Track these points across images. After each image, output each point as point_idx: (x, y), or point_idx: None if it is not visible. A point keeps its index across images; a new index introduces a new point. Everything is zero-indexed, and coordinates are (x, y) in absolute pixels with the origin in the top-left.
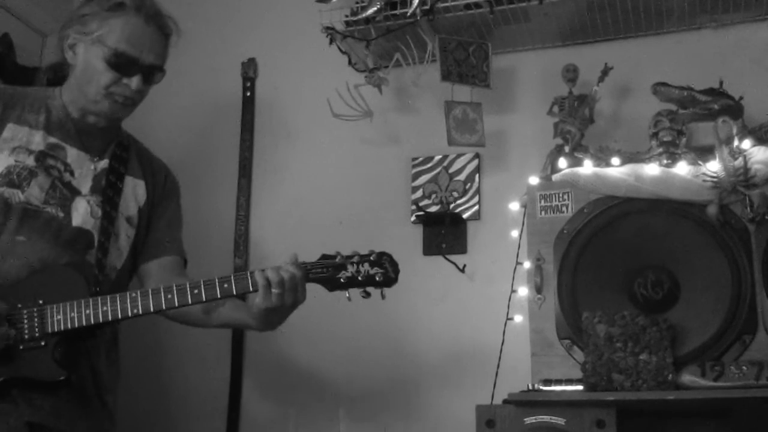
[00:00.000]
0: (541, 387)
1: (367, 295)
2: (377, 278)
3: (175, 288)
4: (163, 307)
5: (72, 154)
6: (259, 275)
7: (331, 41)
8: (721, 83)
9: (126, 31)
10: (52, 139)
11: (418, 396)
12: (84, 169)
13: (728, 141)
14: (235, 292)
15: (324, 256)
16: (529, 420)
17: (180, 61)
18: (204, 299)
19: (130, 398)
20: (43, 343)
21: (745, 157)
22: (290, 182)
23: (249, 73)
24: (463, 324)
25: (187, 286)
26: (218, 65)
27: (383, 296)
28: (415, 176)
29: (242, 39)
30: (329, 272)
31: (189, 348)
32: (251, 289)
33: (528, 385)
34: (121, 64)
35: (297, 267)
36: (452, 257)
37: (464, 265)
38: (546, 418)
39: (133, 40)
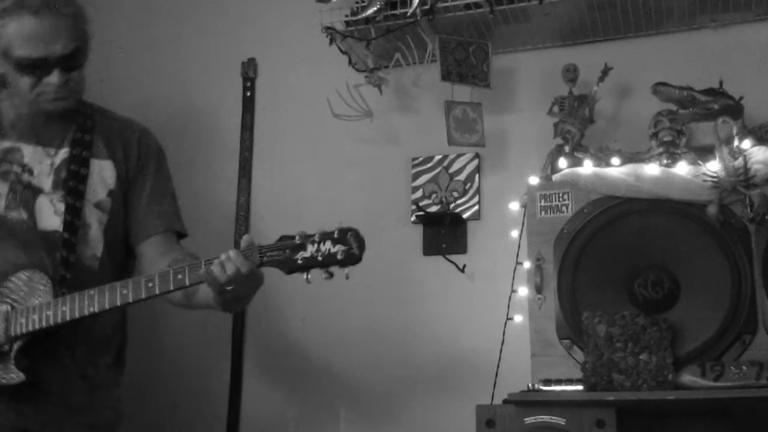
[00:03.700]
0: (541, 387)
1: (330, 275)
2: (338, 257)
3: (130, 283)
4: (118, 304)
5: (28, 152)
6: (206, 272)
7: (331, 41)
8: (721, 83)
9: (21, 33)
10: (6, 144)
11: (418, 395)
12: (43, 165)
13: (728, 141)
14: (188, 284)
15: (282, 237)
16: (529, 420)
17: (180, 61)
18: (158, 292)
19: (129, 398)
20: (6, 347)
21: (745, 157)
22: (290, 182)
23: (249, 73)
24: (463, 324)
25: (142, 280)
26: (218, 65)
27: (347, 276)
28: (415, 176)
29: (242, 39)
30: (286, 254)
31: (188, 347)
32: (203, 280)
33: (528, 385)
34: (30, 67)
35: (243, 258)
36: (452, 257)
37: (464, 265)
38: (546, 418)
39: (32, 40)
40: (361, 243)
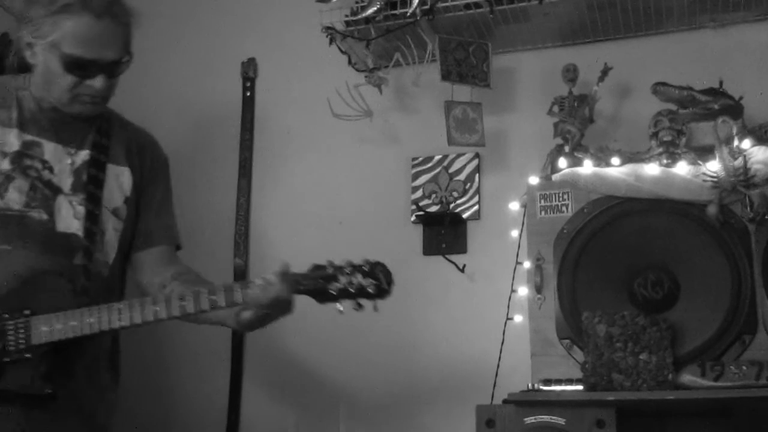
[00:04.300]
0: (541, 387)
1: (360, 307)
2: (369, 290)
3: (163, 300)
4: (151, 320)
5: (49, 149)
6: (247, 294)
7: (331, 41)
8: (721, 83)
9: (79, 33)
10: (28, 137)
11: (418, 395)
12: (63, 164)
13: (728, 141)
14: (224, 305)
15: (315, 267)
16: (529, 420)
17: (180, 61)
18: (191, 311)
19: (130, 403)
20: (28, 356)
21: (744, 157)
22: (290, 182)
23: (249, 73)
24: (463, 324)
25: (175, 298)
26: (218, 65)
27: (375, 308)
28: (415, 176)
29: (242, 39)
30: (319, 284)
31: (188, 351)
32: (240, 302)
33: (528, 385)
34: (79, 67)
35: (285, 283)
36: (452, 257)
37: (464, 265)
38: (546, 418)
39: (88, 42)
40: (389, 278)
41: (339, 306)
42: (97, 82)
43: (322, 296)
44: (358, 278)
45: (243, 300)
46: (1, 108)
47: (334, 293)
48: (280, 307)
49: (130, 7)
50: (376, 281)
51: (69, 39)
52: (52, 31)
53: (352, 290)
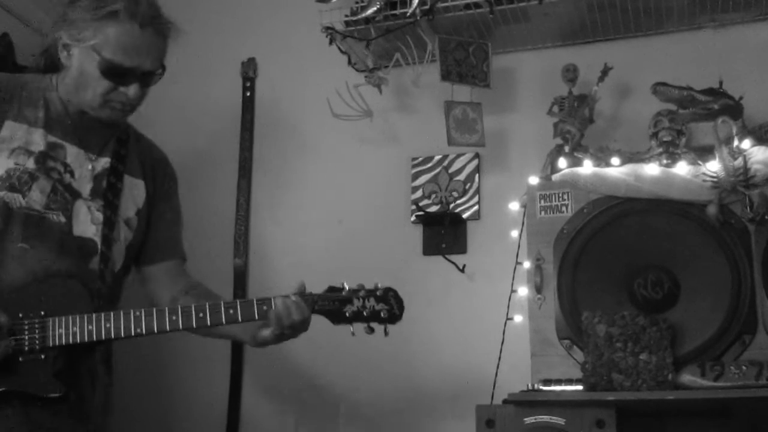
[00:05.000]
0: (541, 387)
1: (371, 330)
2: (382, 315)
3: (180, 310)
4: (167, 329)
5: (71, 152)
6: (269, 311)
7: (331, 41)
8: (720, 83)
9: (121, 40)
10: (52, 138)
11: (417, 396)
12: (83, 168)
13: (728, 141)
14: (240, 320)
15: (330, 289)
16: (529, 420)
17: (180, 61)
18: (208, 324)
19: (130, 405)
20: (42, 357)
21: (744, 157)
22: (290, 182)
23: (249, 73)
24: (463, 324)
25: (193, 309)
26: (218, 65)
27: (386, 333)
28: (415, 176)
29: (242, 39)
30: (335, 306)
31: (188, 354)
32: (256, 318)
33: (528, 385)
34: (117, 74)
35: (305, 304)
36: (452, 257)
37: (464, 265)
38: (546, 418)
39: (129, 50)
40: (400, 304)
41: (352, 328)
42: (131, 90)
43: (337, 318)
44: (372, 302)
45: (262, 316)
46: (28, 106)
47: (348, 316)
48: (299, 327)
49: (171, 21)
50: (388, 306)
51: (111, 45)
52: (93, 36)
53: (365, 314)
